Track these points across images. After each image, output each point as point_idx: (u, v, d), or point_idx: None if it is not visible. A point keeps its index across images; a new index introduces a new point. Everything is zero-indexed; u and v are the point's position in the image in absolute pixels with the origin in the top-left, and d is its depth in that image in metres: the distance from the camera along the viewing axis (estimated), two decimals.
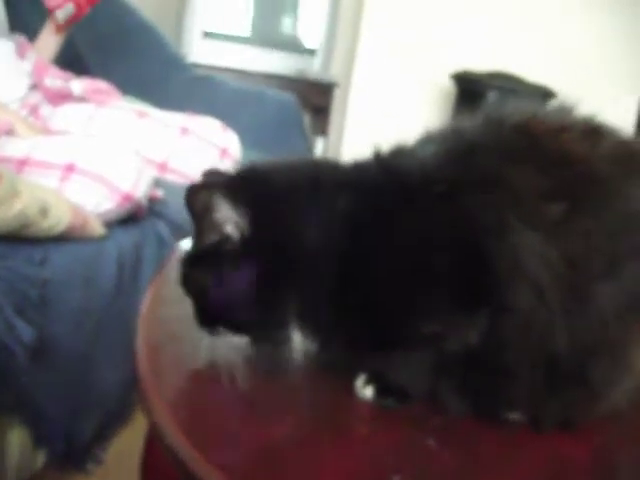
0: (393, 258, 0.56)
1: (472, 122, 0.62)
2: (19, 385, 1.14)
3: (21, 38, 1.79)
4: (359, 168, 0.63)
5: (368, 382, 0.62)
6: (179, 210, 1.54)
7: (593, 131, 0.60)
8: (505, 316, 0.54)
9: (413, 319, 0.57)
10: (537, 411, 0.59)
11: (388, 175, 0.60)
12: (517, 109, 0.62)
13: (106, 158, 1.38)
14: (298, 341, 0.61)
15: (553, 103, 0.65)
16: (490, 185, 0.55)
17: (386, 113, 3.40)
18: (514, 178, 0.55)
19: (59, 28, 1.79)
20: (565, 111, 0.63)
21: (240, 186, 0.62)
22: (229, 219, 0.60)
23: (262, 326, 0.61)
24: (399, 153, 0.63)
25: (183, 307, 0.82)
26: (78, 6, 1.77)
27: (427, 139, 0.63)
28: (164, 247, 1.50)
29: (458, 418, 0.60)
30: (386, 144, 0.63)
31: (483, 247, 0.54)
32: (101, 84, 1.87)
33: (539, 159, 0.56)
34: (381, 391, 0.62)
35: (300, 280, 0.59)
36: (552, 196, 0.54)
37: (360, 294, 0.57)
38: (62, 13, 1.76)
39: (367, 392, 0.62)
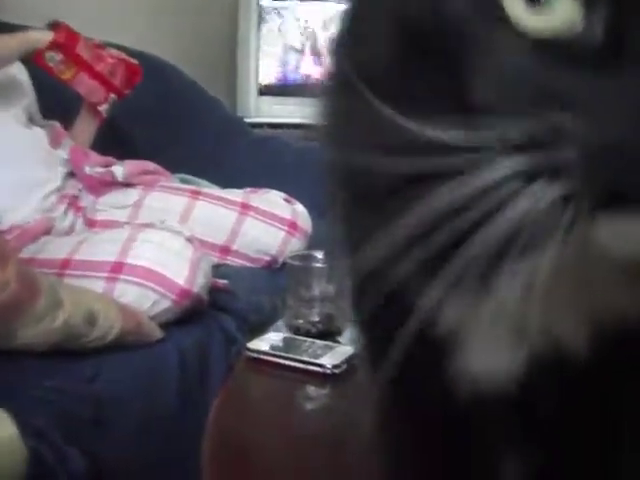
0: None
1: None
2: None
3: (55, 125, 1.83)
4: None
5: None
6: (247, 299, 1.54)
7: None
8: None
9: None
10: None
11: None
12: None
13: (156, 252, 1.40)
14: None
15: None
16: None
17: None
18: None
19: (101, 120, 1.86)
20: None
21: None
22: None
23: None
24: None
25: (253, 417, 0.88)
26: (119, 94, 1.83)
27: None
28: (232, 344, 1.47)
29: None
30: None
31: None
32: (147, 165, 1.88)
33: None
34: None
35: None
36: None
37: None
38: (106, 107, 1.83)
39: None
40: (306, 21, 2.94)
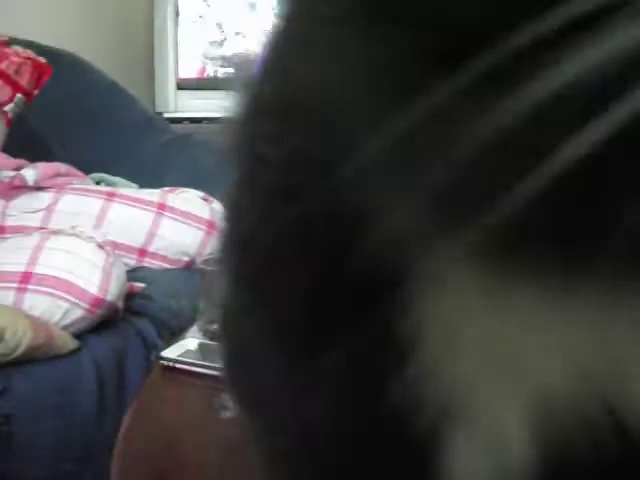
0: None
1: None
2: None
3: None
4: None
5: None
6: (165, 303, 1.51)
7: None
8: None
9: None
10: None
11: None
12: None
13: (65, 260, 1.36)
14: None
15: None
16: None
17: None
18: None
19: (8, 121, 1.80)
20: None
21: None
22: None
23: None
24: None
25: (166, 429, 0.86)
26: (26, 94, 1.77)
27: None
28: (152, 350, 1.43)
29: None
30: None
31: None
32: (59, 166, 1.83)
33: None
34: None
35: None
36: None
37: None
38: (12, 107, 1.76)
39: None
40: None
